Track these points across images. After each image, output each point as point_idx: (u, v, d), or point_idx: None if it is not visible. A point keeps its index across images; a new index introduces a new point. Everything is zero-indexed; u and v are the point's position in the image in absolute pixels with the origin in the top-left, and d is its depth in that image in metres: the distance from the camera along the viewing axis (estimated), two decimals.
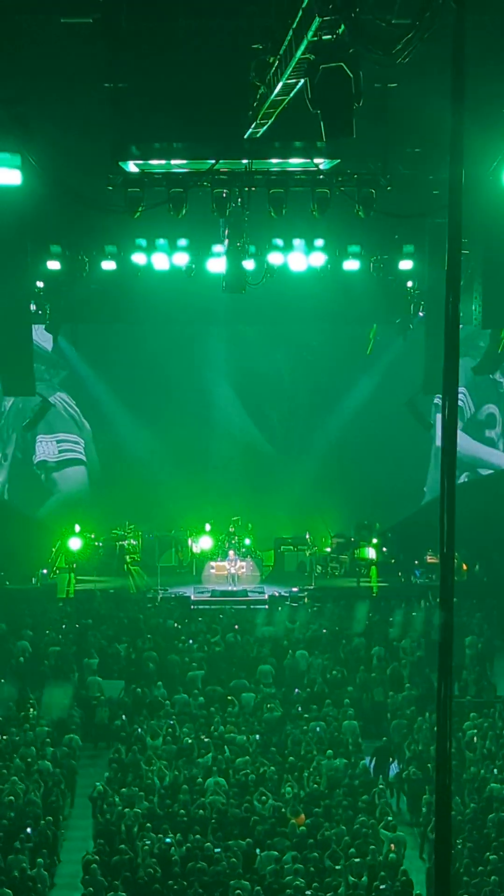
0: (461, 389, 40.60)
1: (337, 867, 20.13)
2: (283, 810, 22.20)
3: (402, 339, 37.92)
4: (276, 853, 20.63)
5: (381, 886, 19.47)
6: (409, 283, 33.48)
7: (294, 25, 12.38)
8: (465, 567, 35.28)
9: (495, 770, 23.86)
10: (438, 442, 40.70)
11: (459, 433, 40.33)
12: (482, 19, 17.71)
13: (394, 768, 25.11)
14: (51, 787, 23.47)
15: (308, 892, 19.32)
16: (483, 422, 41.78)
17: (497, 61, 18.25)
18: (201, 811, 22.10)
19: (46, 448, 42.43)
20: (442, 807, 6.87)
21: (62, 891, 21.04)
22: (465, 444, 41.52)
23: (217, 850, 20.62)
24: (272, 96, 15.57)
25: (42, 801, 22.83)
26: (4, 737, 25.55)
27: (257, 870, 20.32)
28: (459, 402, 40.36)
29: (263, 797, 22.63)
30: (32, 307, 31.83)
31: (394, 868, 20.34)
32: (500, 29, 18.03)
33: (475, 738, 25.27)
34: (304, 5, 11.60)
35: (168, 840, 20.89)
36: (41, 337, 36.71)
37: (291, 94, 15.09)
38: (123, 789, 23.12)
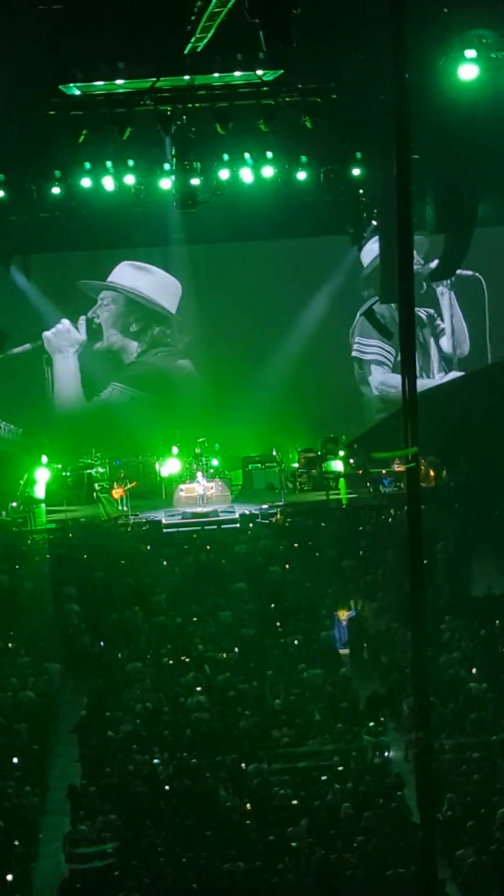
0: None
1: (323, 777, 20.43)
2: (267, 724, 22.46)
3: (357, 249, 37.81)
4: (263, 766, 20.88)
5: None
6: (361, 192, 33.27)
7: None
8: (432, 473, 35.40)
9: (473, 670, 24.15)
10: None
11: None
12: None
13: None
14: (35, 716, 23.64)
15: (295, 802, 19.61)
16: None
17: None
18: (186, 730, 22.33)
19: None
20: (421, 707, 7.02)
21: (53, 817, 21.14)
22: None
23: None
24: (209, 8, 15.36)
25: (26, 731, 23.00)
26: None
27: (244, 783, 20.58)
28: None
29: (247, 712, 22.86)
30: None
31: (380, 771, 20.69)
32: None
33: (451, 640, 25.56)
34: None
35: (156, 761, 21.11)
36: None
37: (229, 6, 14.88)
38: (107, 713, 23.29)
